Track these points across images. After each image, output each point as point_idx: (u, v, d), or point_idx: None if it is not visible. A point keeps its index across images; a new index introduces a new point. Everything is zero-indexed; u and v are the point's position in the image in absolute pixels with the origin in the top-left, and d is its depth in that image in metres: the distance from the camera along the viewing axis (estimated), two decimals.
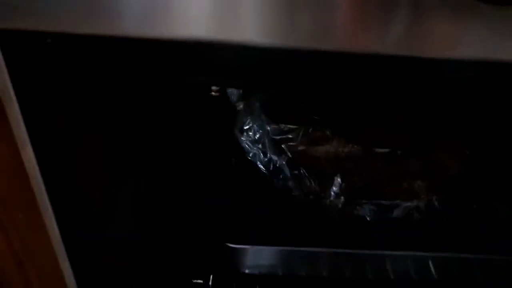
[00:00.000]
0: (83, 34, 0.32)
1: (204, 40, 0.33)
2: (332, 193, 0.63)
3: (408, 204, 0.64)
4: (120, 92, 0.51)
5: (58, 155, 0.40)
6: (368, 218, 0.64)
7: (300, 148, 0.66)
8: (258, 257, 0.59)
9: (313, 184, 0.65)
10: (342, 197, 0.63)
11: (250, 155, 0.69)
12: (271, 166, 0.67)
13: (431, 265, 0.63)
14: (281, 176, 0.67)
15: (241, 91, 0.72)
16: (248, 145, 0.69)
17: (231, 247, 0.56)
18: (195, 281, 0.59)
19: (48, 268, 0.43)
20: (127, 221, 0.52)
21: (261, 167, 0.68)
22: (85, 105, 0.44)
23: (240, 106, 0.72)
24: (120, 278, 0.52)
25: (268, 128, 0.67)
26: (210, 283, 0.59)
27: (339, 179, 0.62)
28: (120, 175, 0.49)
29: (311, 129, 0.66)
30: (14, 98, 0.35)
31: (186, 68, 0.44)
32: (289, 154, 0.66)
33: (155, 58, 0.40)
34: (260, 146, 0.68)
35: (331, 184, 0.64)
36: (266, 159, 0.68)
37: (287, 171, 0.67)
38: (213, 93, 0.48)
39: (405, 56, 0.34)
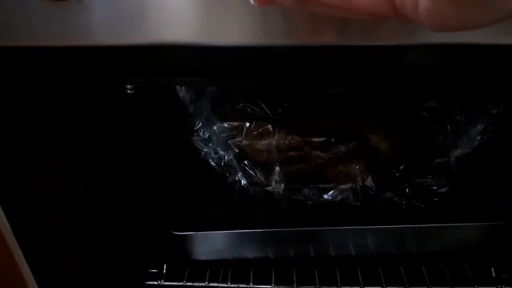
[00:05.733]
0: None
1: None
2: (273, 181, 0.69)
3: (344, 186, 0.70)
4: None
5: None
6: (308, 201, 0.70)
7: (245, 142, 0.72)
8: (205, 243, 0.65)
9: (257, 174, 0.71)
10: (283, 184, 0.69)
11: (203, 153, 0.75)
12: (222, 162, 0.73)
13: (368, 237, 0.68)
14: (230, 170, 0.73)
15: (192, 95, 0.78)
16: (200, 145, 0.75)
17: (177, 234, 0.62)
18: (150, 270, 0.65)
19: None
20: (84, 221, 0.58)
21: (213, 164, 0.74)
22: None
23: (191, 109, 0.78)
24: (79, 274, 0.58)
25: (215, 127, 0.73)
26: (164, 271, 0.65)
27: (277, 168, 0.68)
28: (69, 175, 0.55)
29: (253, 125, 0.72)
30: None
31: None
32: (235, 149, 0.72)
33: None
34: (210, 144, 0.75)
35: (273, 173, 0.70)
36: (217, 156, 0.74)
37: (235, 164, 0.73)
38: (128, 91, 0.54)
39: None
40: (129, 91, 0.54)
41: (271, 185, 0.69)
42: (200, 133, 0.74)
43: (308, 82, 0.51)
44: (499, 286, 0.66)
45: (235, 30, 0.38)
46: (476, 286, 0.66)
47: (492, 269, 0.68)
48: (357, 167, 0.71)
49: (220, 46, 0.39)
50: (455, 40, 0.38)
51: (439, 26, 0.24)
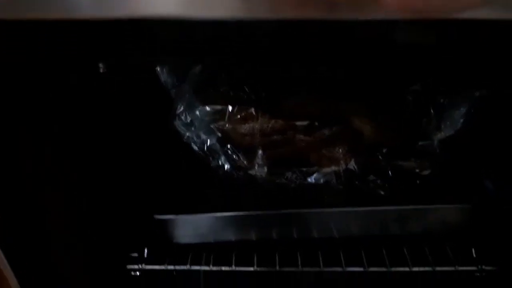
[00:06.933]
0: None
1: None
2: (257, 164, 0.69)
3: (327, 169, 0.70)
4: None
5: None
6: (291, 185, 0.70)
7: (228, 126, 0.72)
8: (187, 226, 0.64)
9: (240, 158, 0.71)
10: (266, 168, 0.68)
11: (185, 137, 0.74)
12: (204, 147, 0.73)
13: (351, 220, 0.69)
14: (213, 154, 0.72)
15: (174, 79, 0.77)
16: (182, 129, 0.74)
17: (159, 218, 0.61)
18: (131, 254, 0.64)
19: None
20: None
21: (196, 148, 0.73)
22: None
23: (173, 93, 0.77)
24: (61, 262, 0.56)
25: (197, 111, 0.72)
26: (145, 255, 0.64)
27: (260, 152, 0.68)
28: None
29: (236, 109, 0.71)
30: None
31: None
32: (218, 133, 0.72)
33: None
34: (192, 128, 0.74)
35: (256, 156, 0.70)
36: (199, 140, 0.73)
37: (218, 149, 0.72)
38: (100, 70, 0.53)
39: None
40: (101, 70, 0.52)
41: (254, 169, 0.69)
42: (182, 117, 0.73)
43: (292, 58, 0.50)
44: (479, 266, 0.67)
45: (218, 4, 0.37)
46: (456, 266, 0.66)
47: (473, 249, 0.68)
48: (340, 150, 0.71)
49: (203, 21, 0.38)
50: (446, 16, 0.37)
51: (401, 6, 0.24)
